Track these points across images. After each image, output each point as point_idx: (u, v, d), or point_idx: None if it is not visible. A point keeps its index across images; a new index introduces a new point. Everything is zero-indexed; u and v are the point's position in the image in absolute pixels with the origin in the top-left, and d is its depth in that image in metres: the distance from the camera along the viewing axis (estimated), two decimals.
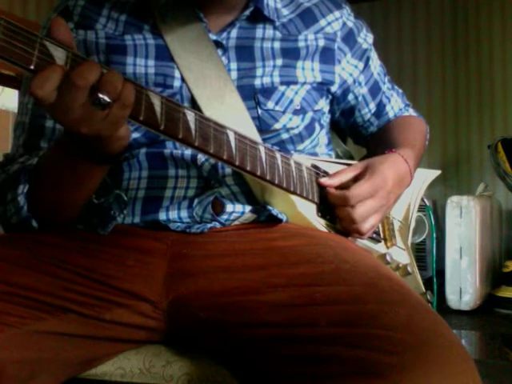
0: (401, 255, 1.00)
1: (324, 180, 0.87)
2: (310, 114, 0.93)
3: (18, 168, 0.84)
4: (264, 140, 0.87)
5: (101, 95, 0.62)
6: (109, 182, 0.85)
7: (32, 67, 0.60)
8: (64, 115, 0.63)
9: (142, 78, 0.87)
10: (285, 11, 0.96)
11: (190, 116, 0.72)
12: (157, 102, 0.68)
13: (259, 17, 0.92)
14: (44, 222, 0.82)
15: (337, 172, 0.89)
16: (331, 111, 1.03)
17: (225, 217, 0.84)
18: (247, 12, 0.91)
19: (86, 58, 0.66)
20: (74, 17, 0.91)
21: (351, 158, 1.13)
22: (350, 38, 0.99)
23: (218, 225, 0.84)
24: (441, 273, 2.81)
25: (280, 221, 0.84)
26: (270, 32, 0.93)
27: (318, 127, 0.96)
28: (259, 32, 0.92)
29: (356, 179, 0.87)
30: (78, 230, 0.84)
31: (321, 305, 0.66)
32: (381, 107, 1.08)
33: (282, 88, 0.90)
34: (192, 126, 0.72)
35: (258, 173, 0.79)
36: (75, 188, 0.77)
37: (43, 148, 0.90)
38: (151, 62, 0.88)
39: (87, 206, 0.81)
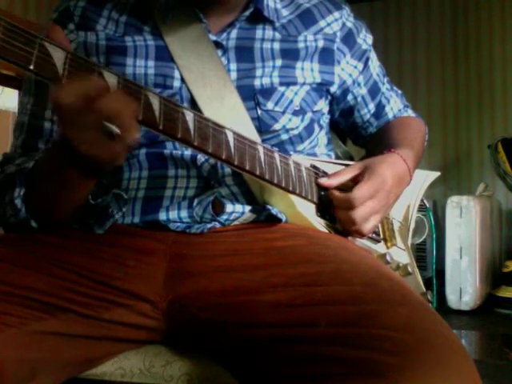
0: (401, 255, 1.00)
1: (323, 180, 0.87)
2: (309, 115, 0.93)
3: (14, 170, 0.84)
4: (264, 141, 0.87)
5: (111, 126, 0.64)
6: (105, 183, 0.85)
7: (31, 67, 0.61)
8: (74, 131, 0.65)
9: (142, 78, 0.87)
10: (284, 12, 0.96)
11: (189, 116, 0.72)
12: (155, 102, 0.69)
13: (259, 17, 0.92)
14: (43, 221, 0.82)
15: (336, 172, 0.89)
16: (331, 112, 1.03)
17: (225, 217, 0.84)
18: (247, 13, 0.91)
19: (85, 58, 0.66)
20: (75, 18, 0.91)
21: (351, 158, 1.13)
22: (349, 38, 0.99)
23: (217, 225, 0.84)
24: (441, 273, 2.81)
25: (279, 220, 0.84)
26: (269, 33, 0.93)
27: (317, 128, 0.96)
28: (259, 33, 0.92)
29: (355, 180, 0.87)
30: (78, 230, 0.84)
31: (321, 305, 0.66)
32: (380, 108, 1.08)
33: (281, 89, 0.90)
34: (191, 125, 0.72)
35: (257, 172, 0.79)
36: (68, 192, 0.78)
37: (41, 149, 0.90)
38: (151, 63, 0.88)
39: (83, 206, 0.82)
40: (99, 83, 0.64)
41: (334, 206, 0.86)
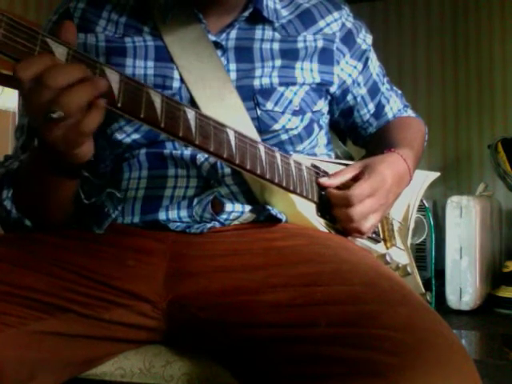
0: (400, 256, 1.00)
1: (324, 180, 0.87)
2: (309, 115, 0.93)
3: (2, 172, 0.85)
4: (263, 141, 0.87)
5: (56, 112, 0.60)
6: (99, 183, 0.85)
7: None
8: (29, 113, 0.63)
9: (141, 79, 0.87)
10: (284, 12, 0.96)
11: (190, 114, 0.72)
12: (157, 100, 0.69)
13: (258, 18, 0.92)
14: (36, 220, 0.82)
15: (336, 172, 0.89)
16: (330, 112, 1.03)
17: (224, 216, 0.84)
18: (246, 13, 0.91)
19: (87, 54, 0.66)
20: (75, 20, 0.91)
21: (351, 158, 1.13)
22: (349, 38, 0.99)
23: (217, 224, 0.84)
24: (441, 273, 2.82)
25: (279, 220, 0.84)
26: (269, 33, 0.93)
27: (317, 128, 0.96)
28: (258, 33, 0.92)
29: (355, 179, 0.87)
30: (78, 230, 0.84)
31: (321, 305, 0.66)
32: (380, 108, 1.08)
33: (281, 89, 0.90)
34: (192, 123, 0.72)
35: (258, 171, 0.79)
36: (51, 191, 0.77)
37: None
38: (150, 64, 0.88)
39: (79, 206, 0.81)
40: (49, 62, 0.61)
41: (334, 205, 0.86)
